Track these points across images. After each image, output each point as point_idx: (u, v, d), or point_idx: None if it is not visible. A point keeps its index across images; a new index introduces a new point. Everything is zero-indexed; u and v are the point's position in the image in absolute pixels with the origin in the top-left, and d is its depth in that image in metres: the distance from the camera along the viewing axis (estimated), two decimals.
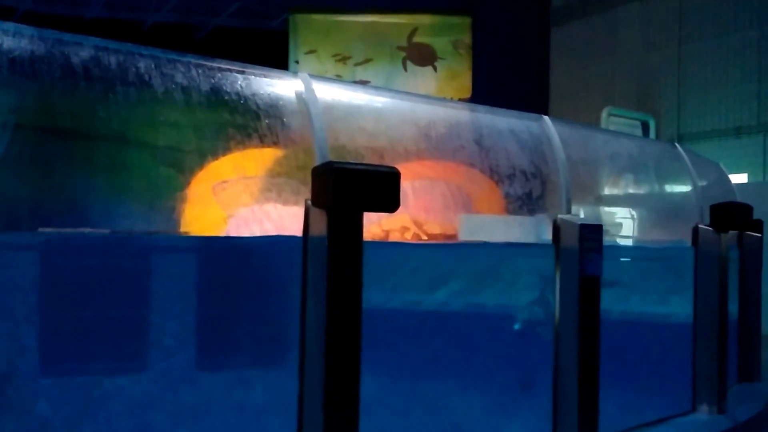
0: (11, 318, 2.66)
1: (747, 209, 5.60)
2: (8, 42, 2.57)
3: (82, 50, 2.72)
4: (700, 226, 5.32)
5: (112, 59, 2.77)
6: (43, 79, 2.63)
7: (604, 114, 14.17)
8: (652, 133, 14.70)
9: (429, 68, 16.61)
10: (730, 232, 5.47)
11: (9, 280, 2.65)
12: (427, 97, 5.23)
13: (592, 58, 16.59)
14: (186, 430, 2.93)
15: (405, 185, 3.17)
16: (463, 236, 4.19)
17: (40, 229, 2.72)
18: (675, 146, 6.04)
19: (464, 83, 16.29)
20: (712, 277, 5.26)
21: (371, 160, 3.45)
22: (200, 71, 3.00)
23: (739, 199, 6.08)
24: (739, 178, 12.41)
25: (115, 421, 2.82)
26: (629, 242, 5.45)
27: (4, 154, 2.56)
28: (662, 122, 15.09)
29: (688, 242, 5.32)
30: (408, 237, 4.09)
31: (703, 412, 5.20)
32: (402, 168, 3.11)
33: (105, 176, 2.87)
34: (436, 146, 4.08)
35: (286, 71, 3.53)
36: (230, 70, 3.14)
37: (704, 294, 5.27)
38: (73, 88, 2.71)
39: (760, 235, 6.43)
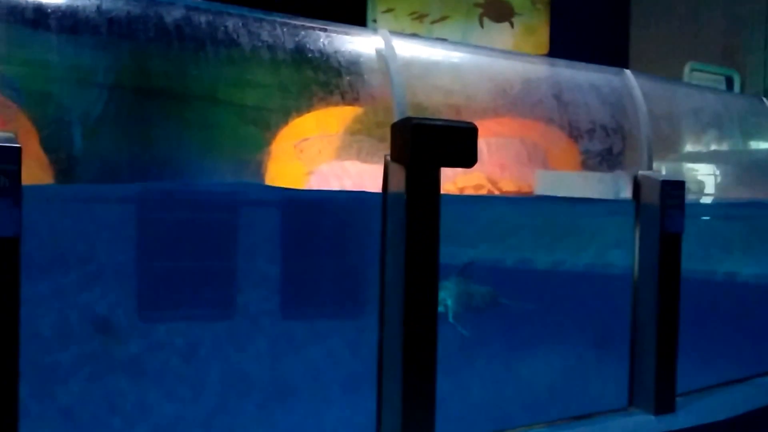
0: (112, 266, 2.84)
1: None
2: (106, 3, 2.69)
3: (175, 10, 2.81)
4: None
5: (202, 18, 2.87)
6: (139, 39, 2.75)
7: (686, 69, 13.66)
8: (736, 89, 14.10)
9: (506, 24, 16.22)
10: None
11: (110, 229, 2.83)
12: (505, 52, 5.17)
13: (675, 11, 15.95)
14: (272, 372, 3.09)
15: (480, 142, 3.18)
16: (540, 193, 4.18)
17: (137, 183, 2.88)
18: (762, 101, 5.82)
19: (542, 39, 15.86)
20: None
21: (448, 116, 3.46)
22: (285, 29, 3.07)
23: None
24: None
25: (205, 363, 2.99)
26: (712, 200, 5.32)
27: (103, 112, 2.71)
28: (748, 77, 14.45)
29: None
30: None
31: None
32: (477, 125, 3.13)
33: (195, 133, 3.00)
34: (513, 102, 4.06)
35: (366, 28, 3.56)
36: (313, 28, 3.19)
37: None
38: (166, 48, 2.82)
39: None
